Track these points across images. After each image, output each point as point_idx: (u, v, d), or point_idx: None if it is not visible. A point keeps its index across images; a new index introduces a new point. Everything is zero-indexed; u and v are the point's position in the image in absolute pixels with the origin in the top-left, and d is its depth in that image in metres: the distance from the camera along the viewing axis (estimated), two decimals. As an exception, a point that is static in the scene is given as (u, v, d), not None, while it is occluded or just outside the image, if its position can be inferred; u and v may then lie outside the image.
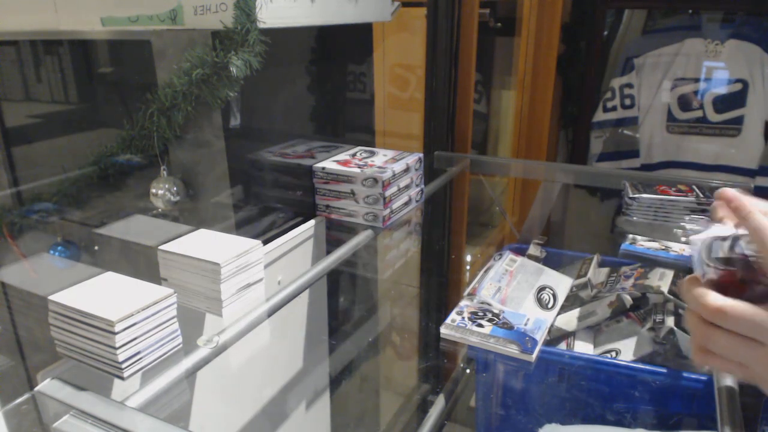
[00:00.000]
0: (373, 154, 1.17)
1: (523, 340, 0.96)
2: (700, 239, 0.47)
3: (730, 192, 0.48)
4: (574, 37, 2.03)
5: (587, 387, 1.03)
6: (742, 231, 0.46)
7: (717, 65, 1.85)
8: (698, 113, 1.90)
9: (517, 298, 1.11)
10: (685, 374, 0.95)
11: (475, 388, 1.16)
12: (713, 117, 1.88)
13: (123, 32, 0.91)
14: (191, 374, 0.70)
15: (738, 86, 1.83)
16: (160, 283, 0.79)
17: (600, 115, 2.02)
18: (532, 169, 1.64)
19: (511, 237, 2.10)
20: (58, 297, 0.66)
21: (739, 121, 1.84)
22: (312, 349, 1.21)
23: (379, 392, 1.71)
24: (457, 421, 1.55)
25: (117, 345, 0.62)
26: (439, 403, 1.06)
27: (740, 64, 1.82)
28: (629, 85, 1.96)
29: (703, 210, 1.17)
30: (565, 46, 2.03)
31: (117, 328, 0.61)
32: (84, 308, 0.63)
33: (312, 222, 1.10)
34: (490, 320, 1.01)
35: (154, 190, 0.90)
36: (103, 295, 0.67)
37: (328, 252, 1.03)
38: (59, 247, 0.95)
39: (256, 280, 0.81)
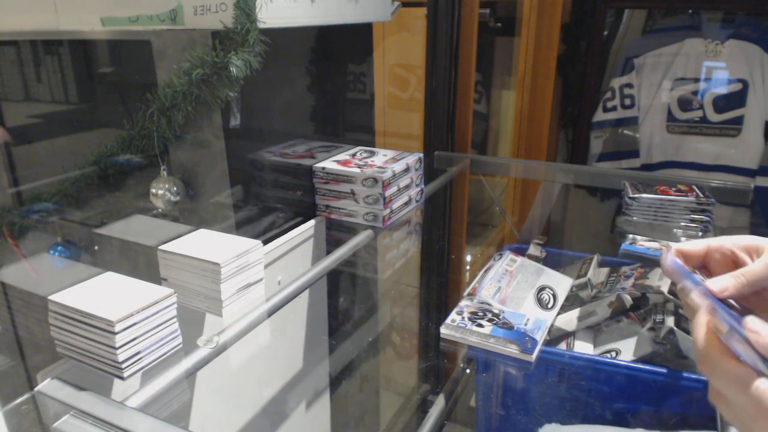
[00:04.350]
0: (373, 154, 1.17)
1: (523, 340, 0.95)
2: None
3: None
4: (574, 37, 2.03)
5: (587, 387, 1.03)
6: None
7: (717, 65, 1.85)
8: (698, 113, 1.89)
9: (517, 298, 1.11)
10: (685, 374, 0.95)
11: (475, 388, 1.16)
12: (713, 117, 1.88)
13: (123, 32, 0.91)
14: (191, 374, 0.70)
15: (738, 86, 1.83)
16: (160, 283, 0.79)
17: (600, 115, 2.02)
18: (532, 169, 1.64)
19: (511, 237, 2.10)
20: (58, 297, 0.66)
21: (739, 121, 1.84)
22: (312, 349, 1.21)
23: (379, 392, 1.71)
24: (457, 421, 1.54)
25: (117, 345, 0.62)
26: (439, 403, 1.06)
27: (740, 64, 1.81)
28: (629, 85, 1.96)
29: (703, 210, 1.17)
30: (565, 46, 2.03)
31: (117, 328, 0.61)
32: (84, 308, 0.63)
33: (312, 222, 1.10)
34: (490, 320, 1.01)
35: (154, 190, 0.90)
36: (103, 295, 0.67)
37: (328, 252, 1.03)
38: (59, 247, 0.95)
39: (256, 280, 0.81)
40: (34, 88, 1.08)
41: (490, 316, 1.03)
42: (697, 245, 0.53)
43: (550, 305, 1.13)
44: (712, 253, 0.53)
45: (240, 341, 0.76)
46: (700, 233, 1.17)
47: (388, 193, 1.06)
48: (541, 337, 0.98)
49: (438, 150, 1.56)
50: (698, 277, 0.49)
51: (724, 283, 0.48)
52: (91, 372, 0.65)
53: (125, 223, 0.95)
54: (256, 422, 1.07)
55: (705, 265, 0.54)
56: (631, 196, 1.20)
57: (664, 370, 0.96)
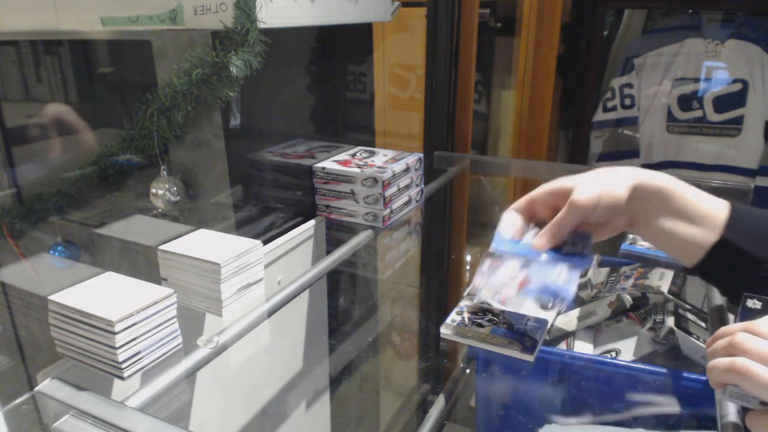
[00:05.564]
0: (373, 154, 1.17)
1: (523, 340, 0.95)
2: None
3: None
4: (574, 37, 2.03)
5: (587, 387, 1.03)
6: None
7: (717, 65, 1.85)
8: (698, 113, 1.89)
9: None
10: (685, 374, 0.95)
11: (475, 388, 1.16)
12: (713, 117, 1.88)
13: (123, 32, 0.91)
14: (191, 374, 0.70)
15: (738, 86, 1.83)
16: (160, 283, 0.79)
17: (600, 115, 2.02)
18: (532, 169, 1.64)
19: (511, 237, 2.10)
20: (58, 297, 0.66)
21: (739, 121, 1.84)
22: (312, 349, 1.21)
23: (379, 392, 1.71)
24: (457, 421, 1.55)
25: (117, 345, 0.62)
26: (439, 403, 1.06)
27: (740, 64, 1.81)
28: (629, 85, 1.96)
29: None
30: (565, 46, 2.02)
31: (117, 328, 0.61)
32: (84, 308, 0.63)
33: (312, 222, 1.10)
34: (490, 320, 1.01)
35: (154, 190, 0.90)
36: (103, 295, 0.67)
37: (328, 252, 1.03)
38: (59, 247, 0.95)
39: (256, 280, 0.81)
40: (34, 88, 1.08)
41: (490, 316, 1.03)
42: (521, 202, 0.66)
43: (550, 305, 1.13)
44: (538, 204, 0.64)
45: (240, 341, 0.76)
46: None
47: (388, 193, 1.06)
48: (541, 337, 0.98)
49: (438, 150, 1.56)
50: (528, 237, 0.61)
51: (542, 240, 0.60)
52: (91, 372, 0.65)
53: (125, 223, 0.95)
54: (256, 422, 1.07)
55: (535, 214, 0.64)
56: (631, 196, 1.19)
57: (664, 370, 0.96)
